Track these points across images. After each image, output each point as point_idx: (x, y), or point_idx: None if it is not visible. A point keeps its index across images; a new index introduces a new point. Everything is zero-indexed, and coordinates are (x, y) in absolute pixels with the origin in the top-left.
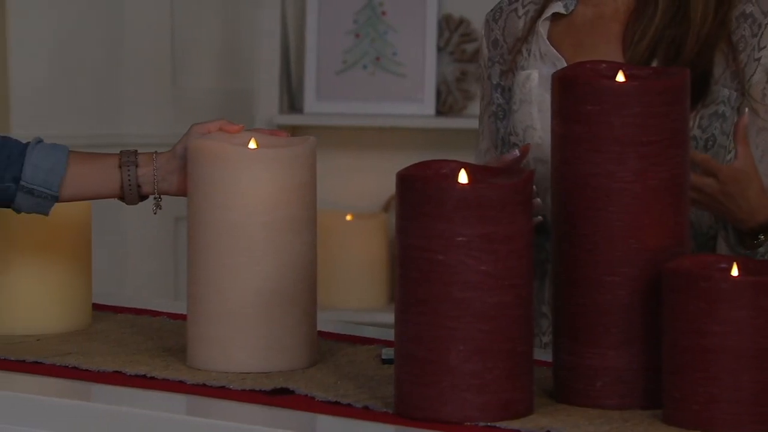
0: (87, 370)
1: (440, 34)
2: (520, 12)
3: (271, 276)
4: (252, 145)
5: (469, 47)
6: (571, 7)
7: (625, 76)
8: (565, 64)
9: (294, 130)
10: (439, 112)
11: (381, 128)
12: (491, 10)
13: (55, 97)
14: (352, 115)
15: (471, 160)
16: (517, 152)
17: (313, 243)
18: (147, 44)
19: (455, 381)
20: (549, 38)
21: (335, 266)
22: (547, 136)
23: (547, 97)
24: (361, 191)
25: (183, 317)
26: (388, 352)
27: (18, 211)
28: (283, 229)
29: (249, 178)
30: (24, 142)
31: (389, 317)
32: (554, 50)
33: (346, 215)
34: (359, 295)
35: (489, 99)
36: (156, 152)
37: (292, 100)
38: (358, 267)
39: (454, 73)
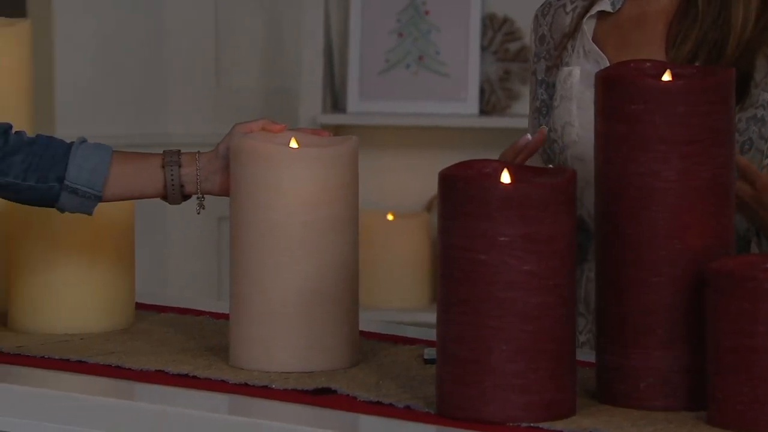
0: (130, 369)
1: (484, 33)
2: (568, 8)
3: (313, 275)
4: (294, 144)
5: (513, 46)
6: (618, 5)
7: (671, 75)
8: (608, 63)
9: (337, 130)
10: (482, 111)
11: (424, 128)
12: (540, 6)
13: (99, 97)
14: (395, 114)
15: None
16: (528, 136)
17: (354, 243)
18: (190, 44)
19: (498, 381)
20: (594, 36)
21: (377, 266)
22: (584, 133)
23: (588, 95)
24: (403, 191)
25: (226, 317)
26: (430, 352)
27: (62, 210)
28: (324, 228)
29: (291, 177)
30: (68, 142)
31: (431, 317)
32: (597, 48)
33: (387, 215)
34: (401, 295)
35: (534, 95)
36: (199, 152)
37: (335, 100)
38: (400, 267)
39: (498, 72)
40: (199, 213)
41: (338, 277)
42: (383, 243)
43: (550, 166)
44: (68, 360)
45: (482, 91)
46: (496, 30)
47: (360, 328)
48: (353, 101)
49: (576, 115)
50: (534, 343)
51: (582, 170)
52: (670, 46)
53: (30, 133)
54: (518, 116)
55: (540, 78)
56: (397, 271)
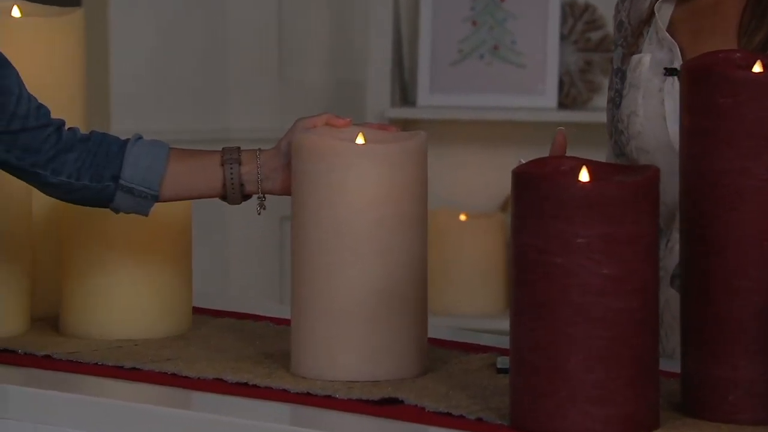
0: (186, 377)
1: (563, 21)
2: None
3: (380, 278)
4: (360, 140)
5: (595, 35)
6: None
7: (762, 66)
8: (679, 51)
9: (406, 124)
10: (562, 104)
11: (498, 122)
12: None
13: (156, 91)
14: (468, 108)
15: (595, 156)
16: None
17: (423, 243)
18: (253, 35)
19: (575, 392)
20: (670, 22)
21: (448, 269)
22: (649, 123)
23: (655, 82)
24: (476, 189)
25: (287, 322)
26: (503, 361)
27: (117, 211)
28: (392, 227)
29: (356, 174)
30: (123, 139)
31: (505, 324)
32: (669, 36)
33: (460, 215)
34: (474, 300)
35: (610, 84)
36: (260, 149)
37: (405, 93)
38: (473, 270)
39: (578, 63)
40: (259, 214)
41: (406, 279)
42: (455, 244)
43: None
44: (122, 367)
45: (561, 83)
46: (577, 18)
47: (429, 335)
48: (423, 94)
49: (641, 104)
50: (613, 350)
51: (646, 162)
52: (742, 34)
53: (83, 130)
54: (599, 110)
55: (616, 66)
56: (469, 274)
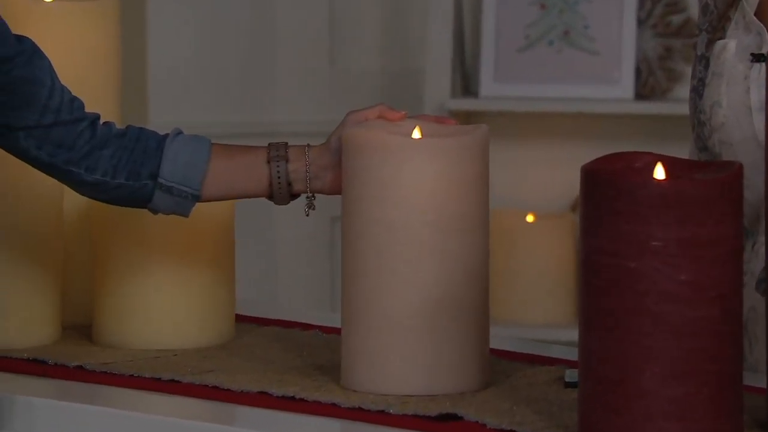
0: (229, 390)
1: (641, 4)
2: None
3: (437, 284)
4: (416, 134)
5: (676, 19)
6: None
7: None
8: None
9: (468, 117)
10: (639, 95)
11: (569, 114)
12: None
13: (197, 81)
14: (535, 99)
15: (677, 152)
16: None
17: (485, 246)
18: (301, 20)
19: (650, 408)
20: (759, 5)
21: (512, 274)
22: (732, 114)
23: (741, 70)
24: (544, 188)
25: (337, 331)
26: (572, 374)
27: (155, 211)
28: (450, 229)
29: (412, 171)
30: (162, 134)
31: (575, 334)
32: (756, 19)
33: (526, 215)
34: (540, 308)
35: (693, 72)
36: (308, 145)
37: (467, 82)
38: (540, 275)
39: (657, 49)
40: (308, 214)
41: (466, 285)
42: (521, 248)
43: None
44: (160, 379)
45: (638, 72)
46: (656, 0)
47: (491, 346)
48: (487, 84)
49: (725, 93)
50: (693, 363)
51: (729, 157)
52: None
53: (119, 124)
54: (680, 101)
55: (699, 53)
56: (536, 280)
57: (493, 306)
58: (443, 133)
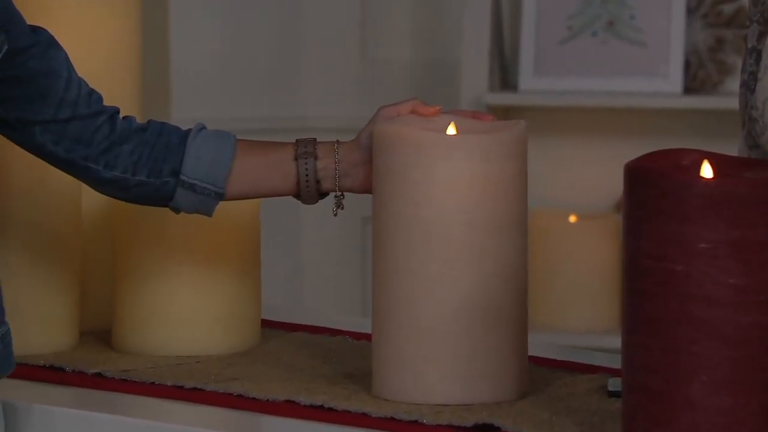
0: (254, 398)
1: None
2: None
3: (473, 288)
4: (450, 130)
5: (727, 8)
6: None
7: None
8: None
9: (506, 112)
10: (688, 89)
11: (614, 109)
12: None
13: (221, 74)
14: (578, 93)
15: (726, 149)
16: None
17: (523, 248)
18: (330, 9)
19: (697, 419)
20: None
21: (553, 277)
22: None
23: None
24: (587, 187)
25: (368, 337)
26: (615, 383)
27: (177, 210)
28: (487, 230)
29: (446, 169)
30: (184, 129)
31: (618, 341)
32: None
33: (568, 216)
34: (583, 314)
35: (743, 65)
36: (338, 141)
37: (505, 76)
38: (582, 279)
39: (707, 40)
40: (336, 214)
41: (504, 289)
42: (562, 250)
43: None
44: (182, 387)
45: (687, 65)
46: None
47: (530, 353)
48: (526, 77)
49: None
50: (742, 372)
51: None
52: None
53: (140, 119)
54: (731, 95)
55: (750, 45)
56: (577, 283)
57: (532, 311)
58: (479, 129)
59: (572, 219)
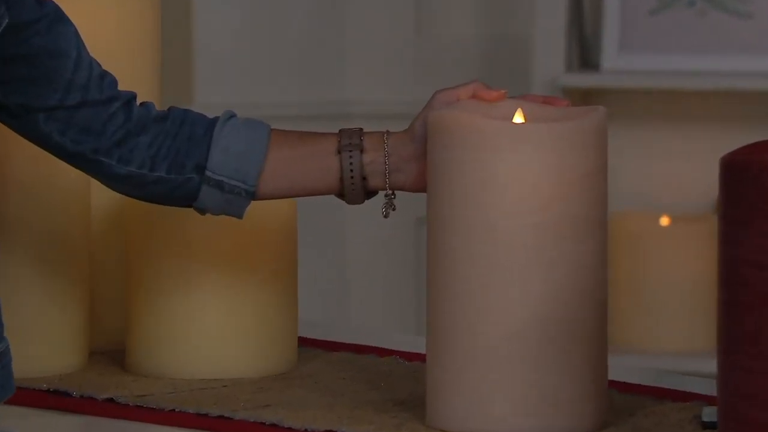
0: (290, 428)
1: None
2: None
3: (545, 301)
4: (517, 118)
5: None
6: None
7: None
8: None
9: (586, 96)
10: None
11: (713, 92)
12: None
13: (251, 54)
14: (671, 73)
15: None
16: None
17: (602, 255)
18: None
19: None
20: None
21: (639, 290)
22: None
23: None
24: (681, 183)
25: (422, 358)
26: (709, 413)
27: (202, 211)
28: (561, 235)
29: (513, 164)
30: (211, 117)
31: (715, 364)
32: None
33: (659, 218)
34: (674, 332)
35: None
36: (387, 131)
37: (585, 53)
38: (674, 291)
39: None
40: (386, 216)
41: (581, 303)
42: (651, 258)
43: None
44: (206, 415)
45: None
46: None
47: (610, 377)
48: (610, 55)
49: None
50: None
51: None
52: None
53: (159, 106)
54: None
55: None
56: (669, 297)
57: (614, 328)
58: (551, 116)
59: (664, 222)
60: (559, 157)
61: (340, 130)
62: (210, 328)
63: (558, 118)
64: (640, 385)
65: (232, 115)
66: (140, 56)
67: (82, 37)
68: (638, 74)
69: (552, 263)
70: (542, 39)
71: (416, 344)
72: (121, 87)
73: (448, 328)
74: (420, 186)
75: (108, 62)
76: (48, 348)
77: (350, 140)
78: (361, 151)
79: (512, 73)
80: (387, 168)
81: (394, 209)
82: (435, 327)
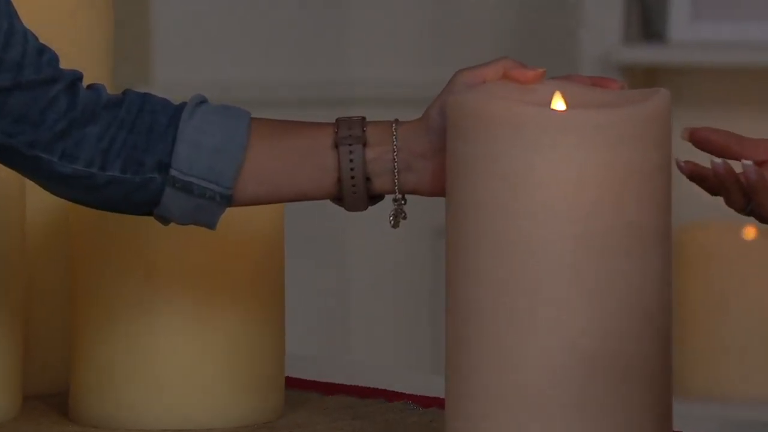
0: None
1: None
2: None
3: (593, 332)
4: (557, 103)
5: None
6: None
7: None
8: None
9: (649, 75)
10: None
11: None
12: None
13: (227, 23)
14: (754, 45)
15: None
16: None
17: (665, 275)
18: None
19: None
20: None
21: (718, 319)
22: None
23: None
24: None
25: (441, 403)
26: None
27: (166, 220)
28: (611, 249)
29: (552, 161)
30: (176, 104)
31: None
32: None
33: (742, 229)
34: (760, 375)
35: None
36: (397, 120)
37: (647, 22)
38: (764, 323)
39: None
40: (395, 226)
41: (637, 334)
42: (732, 279)
43: None
44: None
45: None
46: None
47: (678, 427)
48: (679, 23)
49: None
50: None
51: None
52: None
53: (111, 89)
54: None
55: None
56: (755, 330)
57: (683, 368)
58: (601, 101)
59: (748, 234)
60: (609, 152)
61: (337, 119)
62: (175, 367)
63: (608, 103)
64: None
65: (203, 101)
66: (86, 26)
67: (17, 8)
68: (714, 47)
69: (601, 285)
70: (591, 6)
71: (432, 386)
72: (63, 65)
73: (474, 366)
74: (436, 188)
75: (46, 34)
76: None
77: (350, 131)
78: (364, 145)
79: (553, 47)
80: (396, 166)
81: (404, 217)
82: (457, 365)
